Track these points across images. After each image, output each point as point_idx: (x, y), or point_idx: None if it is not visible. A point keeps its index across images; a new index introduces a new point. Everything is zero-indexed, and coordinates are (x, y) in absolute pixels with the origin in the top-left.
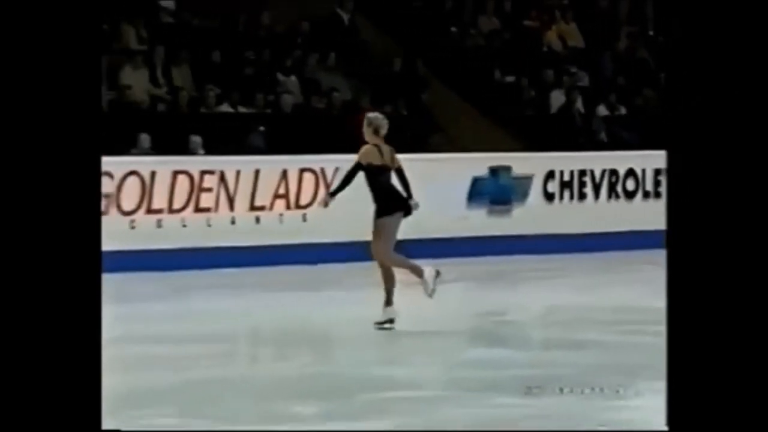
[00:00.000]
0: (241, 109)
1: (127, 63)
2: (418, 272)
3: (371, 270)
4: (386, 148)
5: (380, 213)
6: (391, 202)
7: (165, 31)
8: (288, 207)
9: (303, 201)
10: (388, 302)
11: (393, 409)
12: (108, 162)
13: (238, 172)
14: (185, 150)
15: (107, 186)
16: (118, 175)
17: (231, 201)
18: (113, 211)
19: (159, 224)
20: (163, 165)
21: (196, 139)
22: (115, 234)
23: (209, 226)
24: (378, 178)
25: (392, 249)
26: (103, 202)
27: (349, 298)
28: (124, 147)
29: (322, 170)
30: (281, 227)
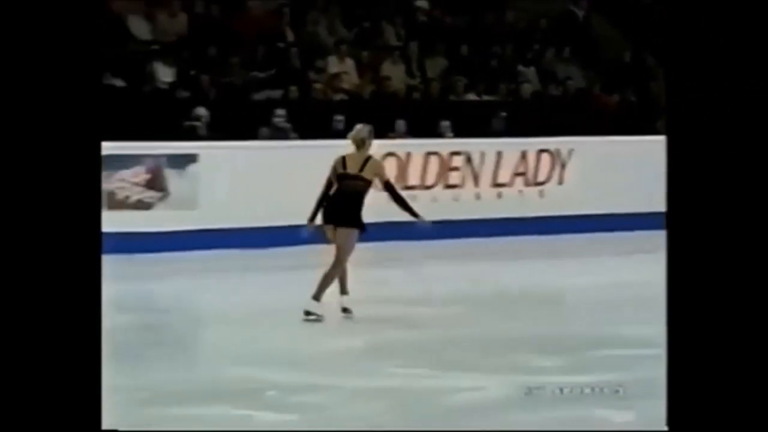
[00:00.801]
0: (486, 97)
1: (386, 58)
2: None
3: (601, 241)
4: (356, 158)
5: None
6: (339, 213)
7: (419, 29)
8: (527, 184)
9: (540, 178)
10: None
11: (622, 365)
12: None
13: (482, 153)
14: (436, 133)
15: None
16: (377, 155)
17: (476, 178)
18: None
19: (413, 199)
20: (416, 147)
21: (446, 124)
22: (375, 207)
23: (456, 201)
24: (340, 184)
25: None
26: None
27: (580, 265)
28: (383, 131)
29: (558, 151)
30: (521, 202)
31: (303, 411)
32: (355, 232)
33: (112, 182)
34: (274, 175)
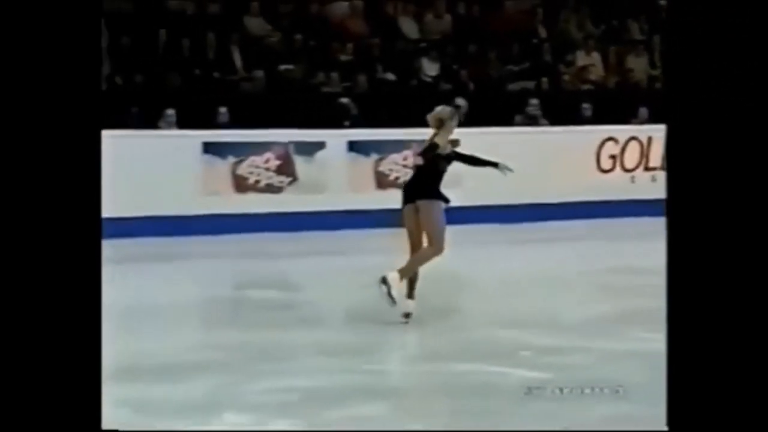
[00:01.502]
0: None
1: (630, 51)
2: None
3: None
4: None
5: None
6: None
7: (662, 22)
8: None
9: None
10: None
11: None
12: (613, 130)
13: None
14: None
15: (612, 149)
16: (621, 140)
17: None
18: (618, 169)
19: (653, 179)
20: (658, 132)
21: None
22: (619, 187)
23: None
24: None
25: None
26: (609, 162)
27: None
28: (627, 118)
29: None
30: None
31: (553, 370)
32: (437, 204)
33: (384, 164)
34: (528, 158)
